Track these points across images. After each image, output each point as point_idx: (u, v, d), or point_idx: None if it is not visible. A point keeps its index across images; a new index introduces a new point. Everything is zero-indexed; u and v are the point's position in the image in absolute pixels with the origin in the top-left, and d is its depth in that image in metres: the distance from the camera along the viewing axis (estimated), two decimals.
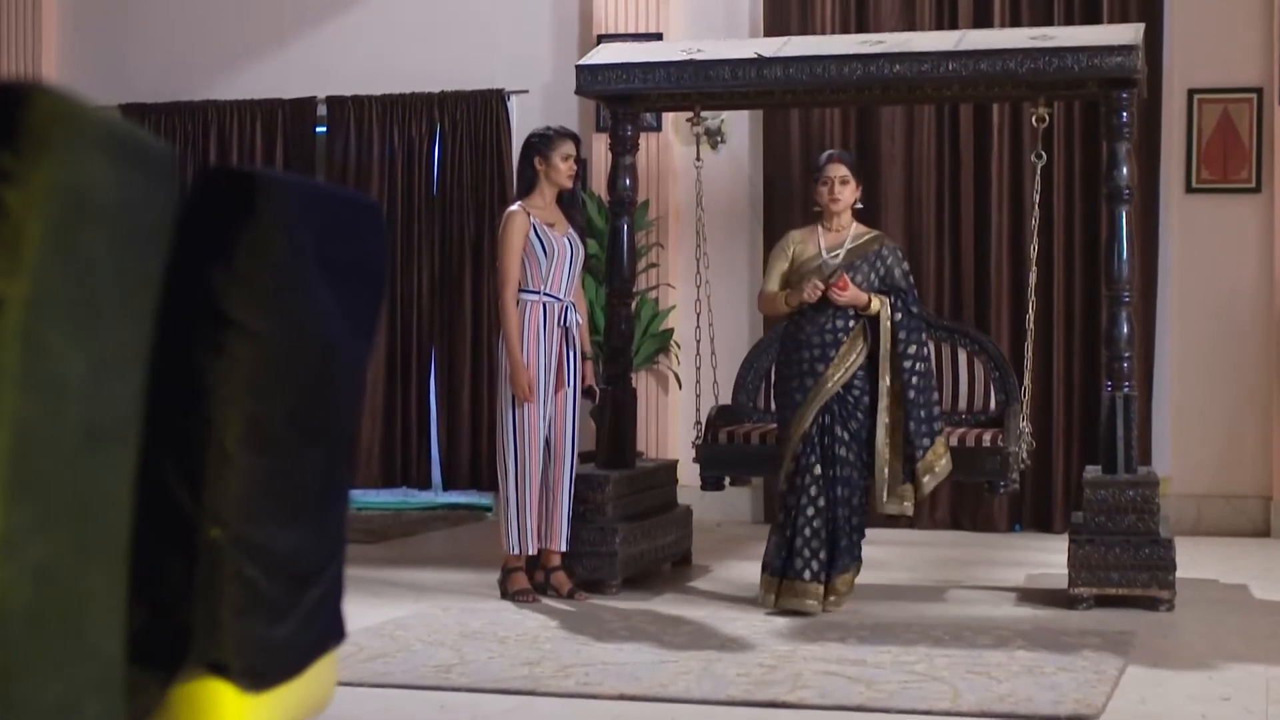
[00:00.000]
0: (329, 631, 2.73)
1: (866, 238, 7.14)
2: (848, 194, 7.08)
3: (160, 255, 2.02)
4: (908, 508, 7.01)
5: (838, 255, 7.05)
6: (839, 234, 7.11)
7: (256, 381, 2.41)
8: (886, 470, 6.92)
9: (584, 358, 7.42)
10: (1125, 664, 5.81)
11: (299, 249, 2.46)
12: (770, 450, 7.34)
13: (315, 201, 2.58)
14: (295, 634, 2.57)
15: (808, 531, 6.83)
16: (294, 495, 2.55)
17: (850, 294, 6.90)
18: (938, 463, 6.97)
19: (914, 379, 6.93)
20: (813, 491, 6.85)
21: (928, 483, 6.96)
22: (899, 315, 6.95)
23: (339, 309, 2.63)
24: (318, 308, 2.54)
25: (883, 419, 6.91)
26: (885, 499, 6.94)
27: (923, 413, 6.92)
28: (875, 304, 6.94)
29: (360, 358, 2.74)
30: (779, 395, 7.15)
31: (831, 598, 6.89)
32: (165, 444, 2.35)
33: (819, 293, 6.91)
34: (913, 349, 6.94)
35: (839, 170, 7.08)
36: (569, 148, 7.32)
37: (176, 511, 2.38)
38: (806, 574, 6.82)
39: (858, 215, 7.19)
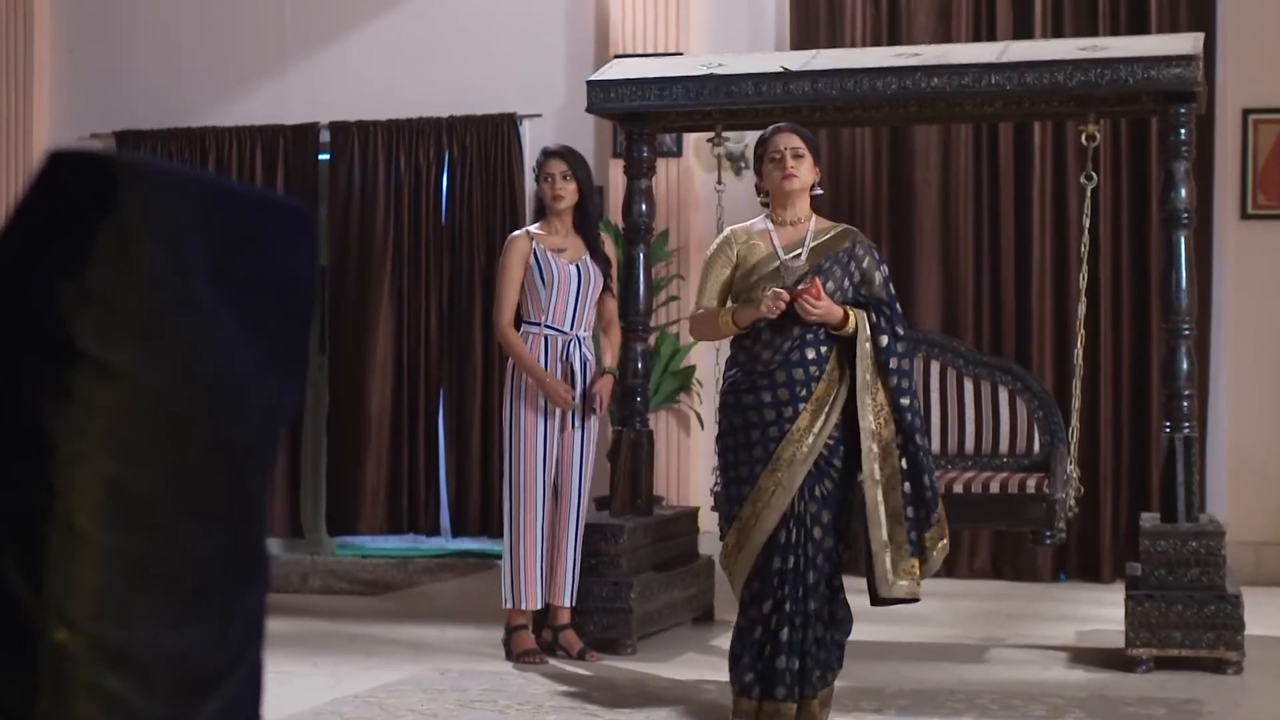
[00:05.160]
0: None
1: (834, 233, 5.55)
2: (805, 170, 5.53)
3: None
4: (918, 590, 5.36)
5: (799, 255, 5.47)
6: (797, 228, 5.54)
7: (119, 435, 1.84)
8: (889, 539, 5.29)
9: (601, 372, 6.84)
10: None
11: (181, 260, 1.89)
12: None
13: (211, 200, 2.01)
14: None
15: (784, 635, 5.28)
16: (178, 583, 1.97)
17: (824, 306, 5.24)
18: (947, 529, 5.42)
19: (915, 419, 5.34)
20: (790, 587, 5.29)
21: (938, 555, 5.38)
22: (884, 338, 5.33)
23: (246, 340, 2.06)
24: (211, 338, 1.97)
25: (872, 473, 5.27)
26: (892, 578, 5.27)
27: (928, 461, 5.37)
28: (851, 321, 5.32)
29: (276, 402, 2.15)
30: (724, 455, 5.46)
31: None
32: None
33: (783, 305, 5.27)
34: (905, 382, 5.35)
35: (791, 140, 5.53)
36: (551, 166, 6.85)
37: (11, 608, 1.81)
38: (780, 691, 5.27)
39: (819, 209, 5.72)
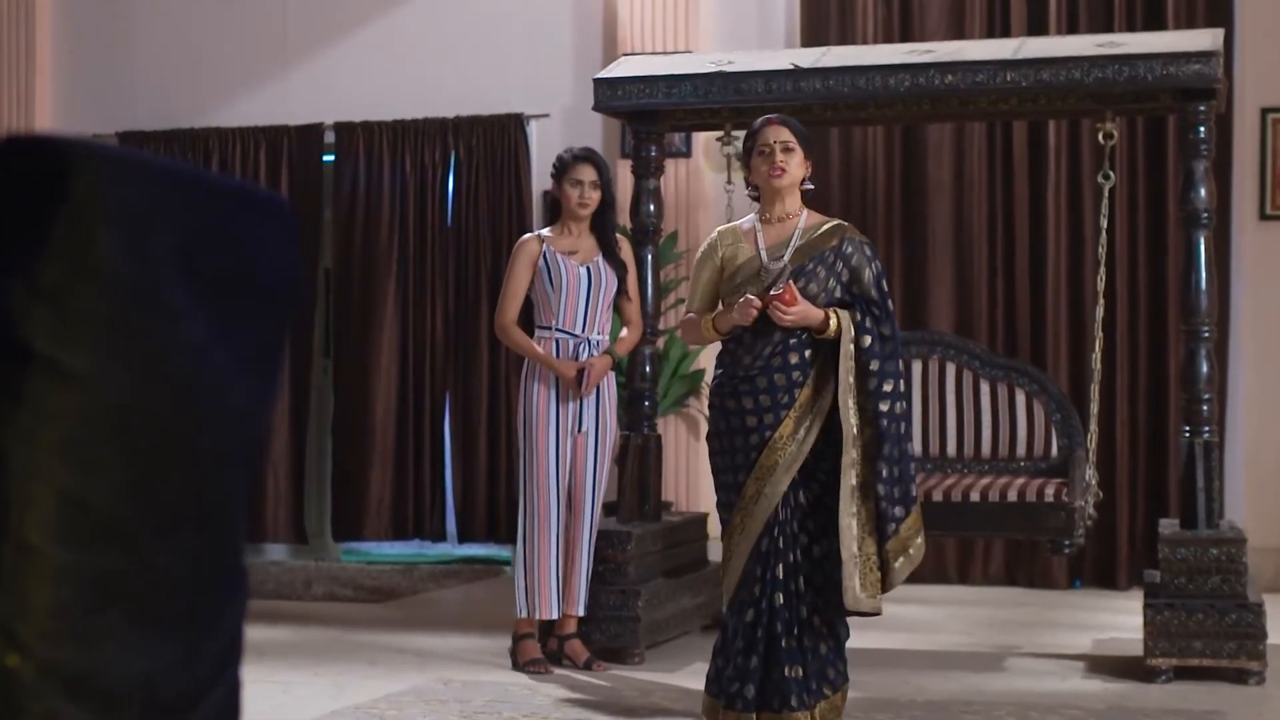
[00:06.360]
0: None
1: (823, 230, 5.27)
2: (794, 165, 5.27)
3: None
4: (878, 604, 5.06)
5: (782, 256, 5.22)
6: (784, 226, 5.29)
7: (75, 443, 1.70)
8: (858, 549, 4.98)
9: (604, 352, 6.66)
10: None
11: (144, 253, 1.76)
12: None
13: (179, 190, 1.87)
14: None
15: (783, 644, 5.05)
16: (144, 600, 1.84)
17: (799, 311, 5.03)
18: (913, 541, 5.09)
19: (891, 425, 5.03)
20: (779, 595, 5.07)
21: (901, 568, 5.05)
22: (867, 339, 5.06)
23: (218, 340, 1.92)
24: (179, 337, 1.84)
25: (848, 479, 4.99)
26: (859, 590, 4.97)
27: (896, 471, 5.04)
28: (833, 322, 5.07)
29: (252, 407, 2.02)
30: (713, 458, 5.28)
31: None
32: None
33: (754, 312, 5.09)
34: (889, 385, 5.04)
35: (780, 134, 5.27)
36: (579, 173, 6.63)
37: None
38: (794, 700, 5.05)
39: (811, 204, 5.44)
